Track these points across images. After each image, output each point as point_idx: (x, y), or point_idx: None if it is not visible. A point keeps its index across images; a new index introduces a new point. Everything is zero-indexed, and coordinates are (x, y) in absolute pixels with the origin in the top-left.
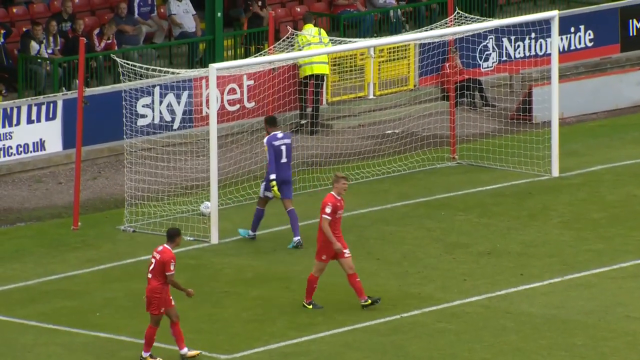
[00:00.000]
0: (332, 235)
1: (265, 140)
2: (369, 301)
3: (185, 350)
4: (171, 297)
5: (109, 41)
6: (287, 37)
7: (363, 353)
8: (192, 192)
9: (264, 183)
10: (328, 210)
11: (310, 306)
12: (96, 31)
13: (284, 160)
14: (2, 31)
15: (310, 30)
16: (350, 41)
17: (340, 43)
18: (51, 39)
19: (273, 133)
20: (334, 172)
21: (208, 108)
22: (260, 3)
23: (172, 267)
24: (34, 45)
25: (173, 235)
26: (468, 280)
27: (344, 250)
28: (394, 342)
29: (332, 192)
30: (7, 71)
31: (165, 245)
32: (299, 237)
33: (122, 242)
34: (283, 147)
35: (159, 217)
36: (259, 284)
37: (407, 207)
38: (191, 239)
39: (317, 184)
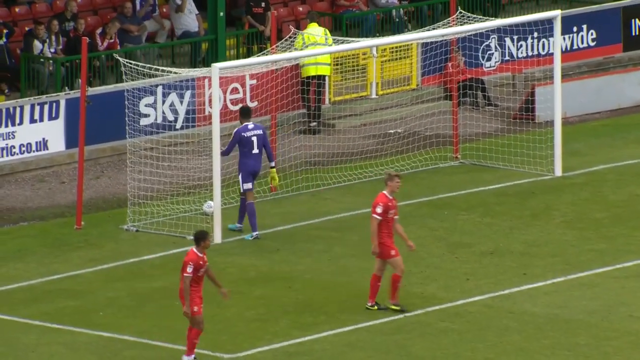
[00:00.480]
0: (378, 235)
1: (235, 130)
2: (375, 307)
3: (189, 359)
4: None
5: (112, 40)
6: (290, 37)
7: (366, 352)
8: (195, 191)
9: (240, 175)
10: (379, 210)
11: (398, 307)
12: (99, 30)
13: (255, 151)
14: (5, 31)
15: (316, 30)
16: (352, 41)
17: (342, 42)
18: (54, 38)
19: (245, 124)
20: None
21: (211, 107)
22: (263, 5)
23: (188, 269)
24: (36, 45)
25: (197, 239)
26: (471, 279)
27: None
28: (397, 342)
29: (385, 192)
30: (9, 70)
31: (193, 247)
32: (257, 232)
33: (125, 241)
34: (254, 138)
35: (161, 216)
36: (262, 283)
37: (410, 207)
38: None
39: (320, 183)
